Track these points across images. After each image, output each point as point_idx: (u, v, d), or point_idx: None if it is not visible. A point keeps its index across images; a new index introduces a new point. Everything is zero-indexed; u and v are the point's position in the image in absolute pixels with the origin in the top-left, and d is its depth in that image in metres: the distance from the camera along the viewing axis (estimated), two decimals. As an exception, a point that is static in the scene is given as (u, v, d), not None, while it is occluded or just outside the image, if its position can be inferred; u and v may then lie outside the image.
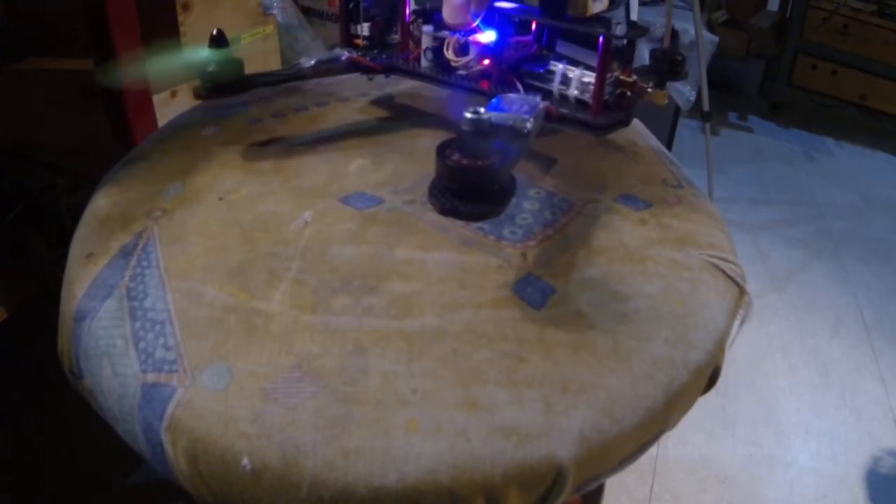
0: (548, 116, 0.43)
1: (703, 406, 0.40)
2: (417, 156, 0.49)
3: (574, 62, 0.44)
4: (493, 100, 0.41)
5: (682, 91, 1.41)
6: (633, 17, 0.41)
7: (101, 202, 0.44)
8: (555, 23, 0.43)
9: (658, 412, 0.34)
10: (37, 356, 0.57)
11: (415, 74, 0.51)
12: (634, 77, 0.43)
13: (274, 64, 1.09)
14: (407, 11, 0.50)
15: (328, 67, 0.51)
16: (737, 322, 0.41)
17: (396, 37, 0.54)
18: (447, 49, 0.48)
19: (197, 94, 0.48)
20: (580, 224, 0.43)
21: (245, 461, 0.30)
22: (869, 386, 1.19)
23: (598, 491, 0.72)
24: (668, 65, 0.42)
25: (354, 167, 0.47)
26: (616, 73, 0.43)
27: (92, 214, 0.43)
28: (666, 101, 0.43)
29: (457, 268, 0.39)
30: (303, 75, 0.50)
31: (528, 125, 0.38)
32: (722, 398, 1.13)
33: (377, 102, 0.57)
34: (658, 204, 0.46)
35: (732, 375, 1.17)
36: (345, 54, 0.51)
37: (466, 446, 0.30)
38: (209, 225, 0.41)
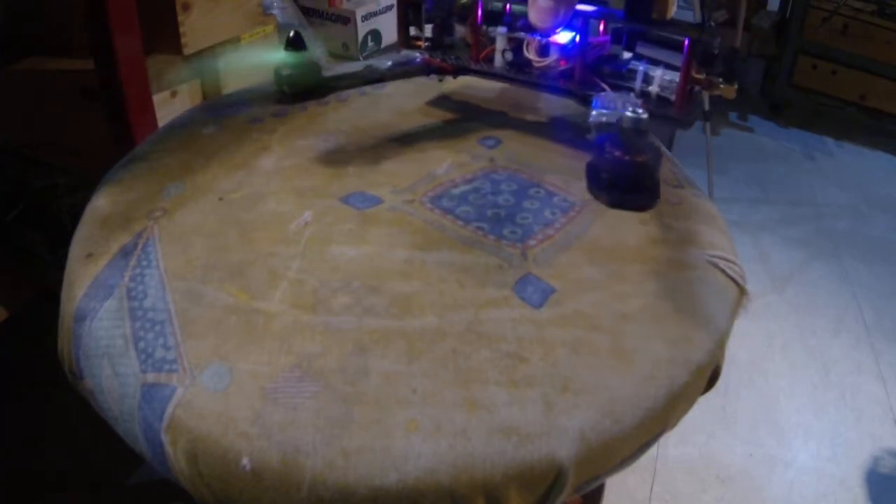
0: None
1: (703, 406, 0.40)
2: (418, 155, 0.49)
3: (653, 61, 0.47)
4: (595, 99, 0.43)
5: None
6: (697, 18, 0.42)
7: (101, 202, 0.44)
8: (642, 26, 0.45)
9: (658, 412, 0.34)
10: (37, 356, 0.57)
11: (489, 75, 0.52)
12: (704, 74, 0.45)
13: (274, 64, 1.09)
14: (479, 13, 0.51)
15: (404, 70, 0.52)
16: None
17: (451, 38, 0.54)
18: (527, 50, 0.49)
19: (276, 100, 0.47)
20: (581, 224, 0.43)
21: (245, 461, 0.30)
22: (869, 386, 1.19)
23: (598, 491, 0.72)
24: (734, 61, 0.44)
25: (354, 167, 0.47)
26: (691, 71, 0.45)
27: (92, 214, 0.43)
28: (734, 96, 0.45)
29: (457, 268, 0.39)
30: (380, 77, 0.50)
31: (644, 117, 0.40)
32: (722, 398, 1.13)
33: (377, 102, 0.57)
34: (658, 204, 0.46)
35: (732, 375, 1.17)
36: (418, 56, 0.52)
37: (466, 446, 0.30)
38: (209, 225, 0.41)
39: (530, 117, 0.55)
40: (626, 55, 0.49)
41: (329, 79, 0.48)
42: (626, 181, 0.34)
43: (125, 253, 0.39)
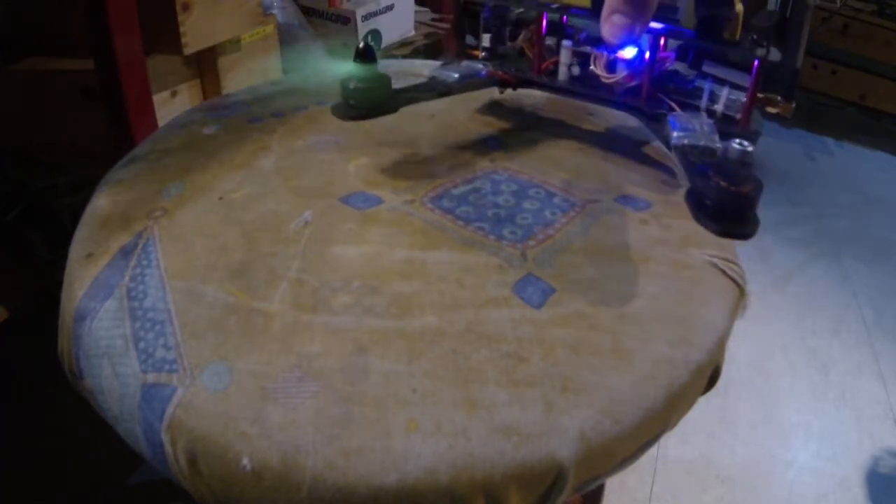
0: None
1: (703, 406, 0.40)
2: (418, 155, 0.49)
3: (717, 79, 0.47)
4: (671, 119, 0.43)
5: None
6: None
7: (101, 202, 0.44)
8: (712, 46, 0.45)
9: (658, 412, 0.34)
10: (37, 356, 0.57)
11: (554, 89, 0.51)
12: (763, 93, 0.46)
13: (274, 64, 1.09)
14: (544, 25, 0.50)
15: (470, 82, 0.51)
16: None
17: (505, 48, 0.54)
18: (595, 65, 0.48)
19: (341, 115, 0.45)
20: (581, 224, 0.43)
21: (245, 461, 0.30)
22: (869, 386, 1.19)
23: (599, 491, 0.72)
24: (794, 81, 0.45)
25: (354, 167, 0.47)
26: None
27: (92, 214, 0.43)
28: (791, 115, 0.46)
29: (457, 268, 0.39)
30: (448, 90, 0.49)
31: (719, 145, 0.40)
32: (722, 398, 1.13)
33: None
34: (659, 204, 0.46)
35: (732, 375, 1.17)
36: (482, 68, 0.51)
37: (466, 446, 0.30)
38: (209, 225, 0.41)
39: (532, 119, 0.55)
40: (689, 71, 0.49)
41: (398, 93, 0.46)
42: (733, 212, 0.35)
43: (125, 253, 0.39)
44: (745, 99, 0.44)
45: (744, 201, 0.34)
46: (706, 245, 0.43)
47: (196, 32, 0.90)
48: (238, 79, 0.98)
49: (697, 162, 0.39)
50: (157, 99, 0.86)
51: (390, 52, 1.46)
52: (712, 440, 1.06)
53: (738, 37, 0.42)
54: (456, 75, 0.49)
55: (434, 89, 0.48)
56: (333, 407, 0.31)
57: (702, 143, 0.40)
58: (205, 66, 0.97)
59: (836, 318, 1.35)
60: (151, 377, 0.33)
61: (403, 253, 0.40)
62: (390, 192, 0.45)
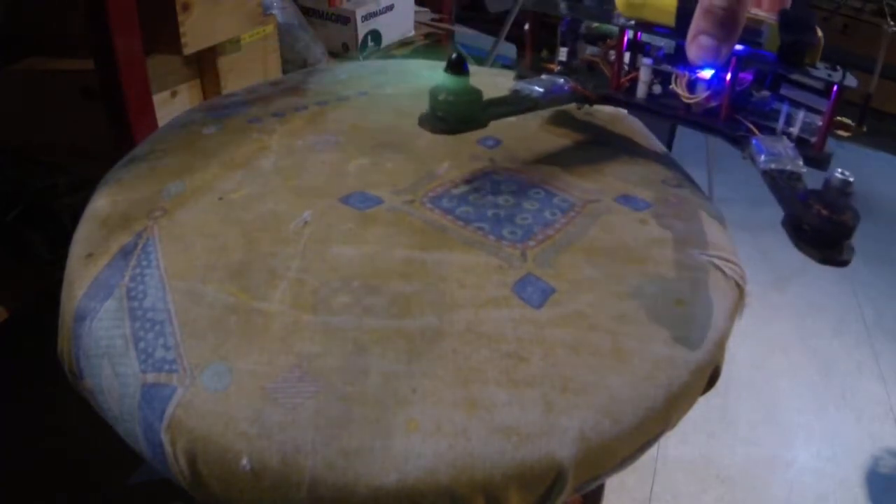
0: None
1: (703, 406, 0.40)
2: (418, 155, 0.49)
3: (793, 102, 0.47)
4: (754, 141, 0.43)
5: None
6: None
7: (101, 202, 0.44)
8: (791, 72, 0.45)
9: (658, 412, 0.34)
10: (37, 356, 0.57)
11: (635, 107, 0.51)
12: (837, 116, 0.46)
13: (274, 64, 1.09)
14: (625, 41, 0.49)
15: (555, 98, 0.50)
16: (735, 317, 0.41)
17: (576, 62, 0.53)
18: (676, 84, 0.48)
19: (429, 127, 0.43)
20: (580, 224, 0.43)
21: (245, 461, 0.30)
22: (870, 386, 1.19)
23: (599, 491, 0.72)
24: (868, 105, 0.45)
25: (354, 167, 0.47)
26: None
27: (92, 214, 0.43)
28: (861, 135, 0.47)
29: (457, 268, 0.39)
30: (534, 106, 0.48)
31: (805, 170, 0.41)
32: (722, 398, 1.13)
33: (377, 102, 0.57)
34: (658, 204, 0.46)
35: (732, 375, 1.17)
36: (564, 83, 0.50)
37: (466, 446, 0.30)
38: (209, 225, 0.41)
39: (532, 120, 0.55)
40: (764, 93, 0.49)
41: (488, 107, 0.44)
42: (833, 240, 0.34)
43: (125, 253, 0.39)
44: (819, 122, 0.45)
45: (843, 230, 0.34)
46: (706, 245, 0.43)
47: (196, 32, 0.90)
48: (238, 79, 0.98)
49: (784, 186, 0.39)
50: (157, 99, 0.86)
51: (390, 52, 1.47)
52: (712, 440, 1.06)
53: (817, 62, 0.43)
54: (541, 89, 0.48)
55: (520, 104, 0.47)
56: (333, 407, 0.31)
57: (788, 167, 0.40)
58: (205, 66, 0.97)
59: (836, 318, 1.35)
60: (151, 377, 0.33)
61: (403, 253, 0.40)
62: (390, 193, 0.45)
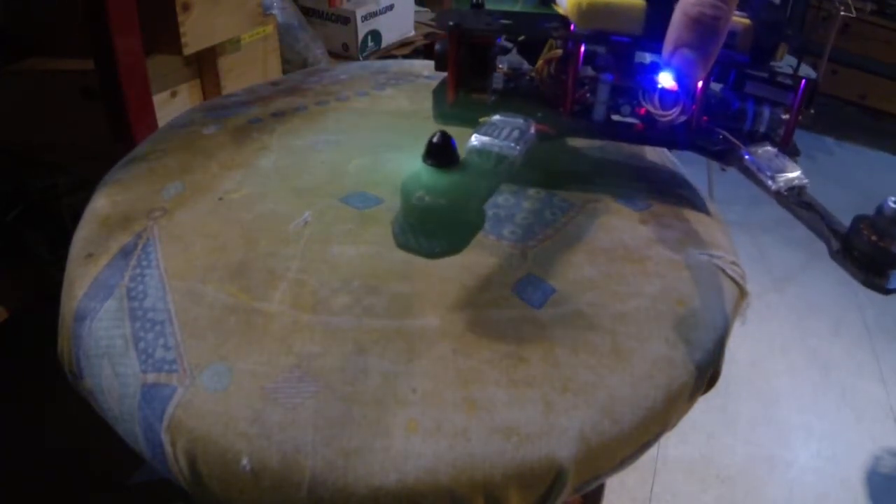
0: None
1: (703, 406, 0.40)
2: (417, 155, 0.49)
3: (760, 99, 0.45)
4: (748, 158, 0.40)
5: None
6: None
7: (101, 202, 0.44)
8: (761, 71, 0.43)
9: (658, 412, 0.34)
10: (37, 356, 0.58)
11: (600, 135, 0.45)
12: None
13: (274, 64, 1.09)
14: (580, 55, 0.42)
15: (528, 146, 0.40)
16: (737, 322, 0.41)
17: (515, 84, 0.45)
18: (646, 101, 0.43)
19: (418, 250, 0.29)
20: (580, 224, 0.43)
21: (245, 461, 0.30)
22: (869, 386, 1.19)
23: (599, 491, 0.72)
24: (815, 91, 0.43)
25: (354, 167, 0.47)
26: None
27: (92, 214, 0.43)
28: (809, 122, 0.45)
29: (457, 268, 0.39)
30: (516, 168, 0.37)
31: (802, 182, 0.39)
32: (722, 398, 1.13)
33: (377, 102, 0.57)
34: (658, 204, 0.46)
35: (732, 375, 1.17)
36: (525, 124, 0.40)
37: (466, 446, 0.30)
38: (209, 225, 0.41)
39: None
40: (717, 92, 0.46)
41: (482, 200, 0.32)
42: (879, 265, 0.34)
43: (125, 253, 0.39)
44: (783, 116, 0.43)
45: (890, 258, 0.34)
46: (706, 245, 0.43)
47: (196, 32, 0.90)
48: (238, 79, 0.98)
49: (797, 202, 0.38)
50: (157, 99, 0.86)
51: (390, 52, 1.46)
52: (712, 440, 1.06)
53: (782, 58, 0.42)
54: (517, 147, 0.36)
55: (503, 174, 0.36)
56: (333, 407, 0.31)
57: (795, 182, 0.39)
58: (205, 66, 0.97)
59: (836, 318, 1.35)
60: (151, 377, 0.33)
61: (403, 253, 0.39)
62: (390, 192, 0.45)
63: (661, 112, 0.43)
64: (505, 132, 0.38)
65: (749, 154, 0.41)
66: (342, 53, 1.41)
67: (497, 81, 0.45)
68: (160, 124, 0.71)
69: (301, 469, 0.29)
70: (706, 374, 0.37)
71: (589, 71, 0.43)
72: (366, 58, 1.41)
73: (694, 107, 0.43)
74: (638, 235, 0.42)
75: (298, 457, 0.30)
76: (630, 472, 0.96)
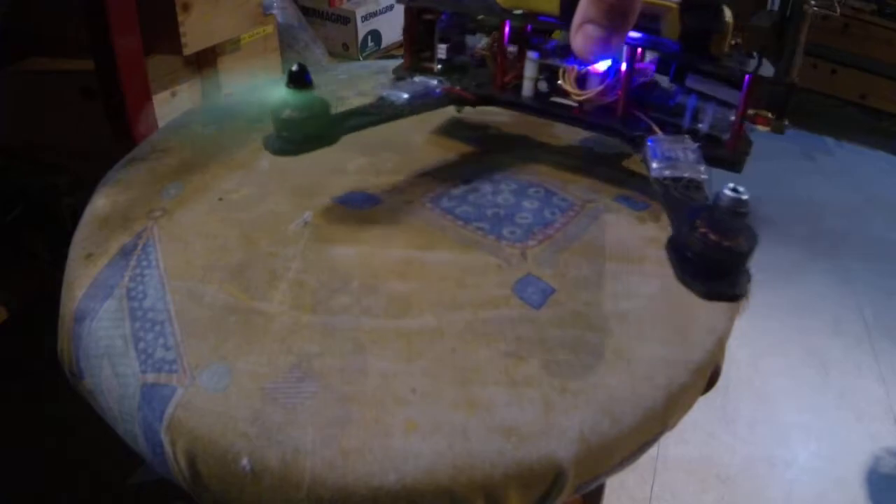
0: None
1: (703, 406, 0.40)
2: (417, 155, 0.49)
3: (705, 95, 0.42)
4: (650, 145, 0.38)
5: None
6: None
7: (101, 202, 0.44)
8: (696, 62, 0.40)
9: (658, 412, 0.34)
10: (37, 356, 0.58)
11: (519, 107, 0.45)
12: (754, 110, 0.41)
13: (274, 64, 1.09)
14: (506, 34, 0.43)
15: (424, 103, 0.45)
16: (736, 319, 0.41)
17: (463, 59, 0.48)
18: (564, 80, 0.42)
19: (274, 149, 0.38)
20: (580, 224, 0.43)
21: (245, 461, 0.30)
22: (869, 385, 1.19)
23: (599, 491, 0.72)
24: (790, 96, 0.41)
25: (354, 167, 0.47)
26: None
27: (92, 214, 0.43)
28: (784, 132, 0.41)
29: (456, 267, 0.39)
30: (399, 114, 0.43)
31: (705, 176, 0.36)
32: (722, 398, 1.13)
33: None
34: (658, 204, 0.46)
35: (732, 375, 1.17)
36: (438, 85, 0.45)
37: (466, 446, 0.30)
38: (209, 225, 0.41)
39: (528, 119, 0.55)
40: (670, 87, 0.44)
41: (339, 120, 0.40)
42: (723, 269, 0.29)
43: (125, 253, 0.39)
44: (733, 117, 0.40)
45: (735, 258, 0.29)
46: (706, 245, 0.43)
47: (196, 32, 0.90)
48: (238, 79, 0.98)
49: (679, 196, 0.34)
50: (157, 99, 0.86)
51: (390, 52, 1.46)
52: (712, 440, 1.06)
53: (726, 49, 0.38)
54: (405, 95, 0.43)
55: (381, 113, 0.42)
56: (332, 407, 0.31)
57: (686, 174, 0.35)
58: (205, 66, 0.97)
59: (835, 317, 1.35)
60: (151, 377, 0.33)
61: (402, 253, 0.40)
62: (389, 192, 0.45)
63: (576, 92, 0.42)
64: (411, 88, 0.44)
65: (653, 140, 0.39)
66: (342, 53, 1.41)
67: (441, 52, 0.47)
68: (160, 124, 0.71)
69: (301, 469, 0.29)
70: (706, 374, 0.37)
71: (532, 54, 0.44)
72: (366, 58, 1.41)
73: (619, 92, 0.41)
74: (637, 235, 0.42)
75: (298, 457, 0.30)
76: (630, 472, 0.96)
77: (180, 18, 0.88)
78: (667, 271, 0.40)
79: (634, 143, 0.41)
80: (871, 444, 1.07)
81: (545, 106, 0.45)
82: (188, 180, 0.45)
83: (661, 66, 0.44)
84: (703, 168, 0.36)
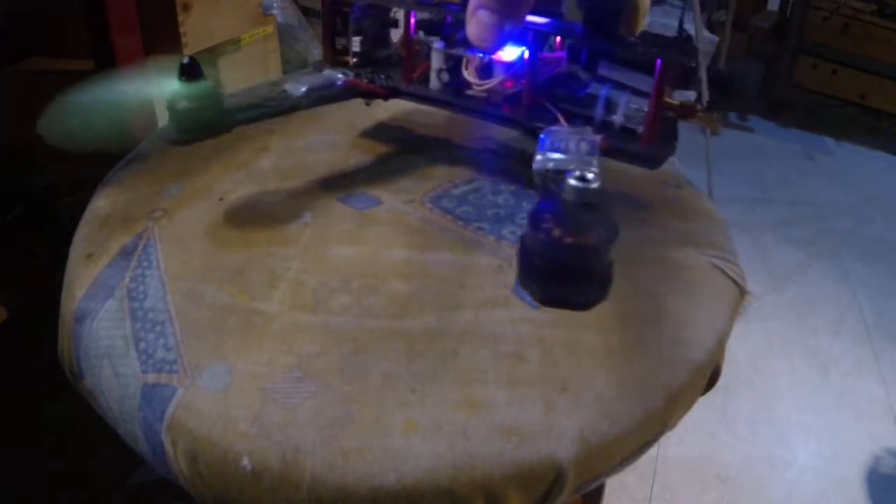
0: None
1: (703, 406, 0.40)
2: (416, 155, 0.49)
3: (619, 84, 0.39)
4: (542, 136, 0.36)
5: (682, 91, 1.41)
6: (691, 29, 0.36)
7: (102, 202, 0.44)
8: (602, 45, 0.37)
9: (658, 412, 0.34)
10: (37, 356, 0.57)
11: (425, 99, 0.44)
12: (679, 100, 0.38)
13: (274, 64, 1.09)
14: (412, 23, 0.42)
15: (322, 95, 0.44)
16: (737, 321, 0.41)
17: (386, 53, 0.47)
18: (466, 70, 0.41)
19: (172, 139, 0.41)
20: (580, 224, 0.43)
21: (245, 461, 0.30)
22: (869, 385, 1.19)
23: (599, 491, 0.72)
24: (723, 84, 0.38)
25: (354, 167, 0.47)
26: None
27: (92, 215, 0.43)
28: (718, 130, 0.38)
29: (456, 268, 0.39)
30: (294, 106, 0.43)
31: (595, 169, 0.32)
32: (722, 398, 1.13)
33: (376, 102, 0.57)
34: (658, 204, 0.46)
35: (732, 375, 1.17)
36: (341, 78, 0.45)
37: (466, 446, 0.30)
38: (209, 225, 0.41)
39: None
40: (583, 75, 0.41)
41: (233, 111, 0.41)
42: (567, 272, 0.25)
43: (125, 253, 0.39)
44: (644, 109, 0.37)
45: (583, 257, 0.25)
46: (705, 245, 0.43)
47: (196, 32, 0.90)
48: (238, 79, 0.98)
49: (557, 190, 0.30)
50: (157, 99, 0.86)
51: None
52: (712, 440, 1.06)
53: (637, 32, 0.35)
54: (304, 88, 0.43)
55: (278, 105, 0.43)
56: (333, 407, 0.31)
57: (570, 167, 0.32)
58: (205, 66, 0.97)
59: (836, 317, 1.35)
60: (152, 378, 0.33)
61: (402, 253, 0.40)
62: (389, 193, 0.45)
63: (477, 82, 0.41)
64: (312, 80, 0.44)
65: (548, 132, 0.36)
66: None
67: (355, 45, 0.46)
68: (160, 124, 0.71)
69: (301, 469, 0.29)
70: (706, 374, 0.37)
71: (437, 44, 0.43)
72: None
73: (523, 81, 0.39)
74: (637, 236, 0.42)
75: (298, 457, 0.30)
76: (630, 472, 0.96)
77: (180, 18, 0.88)
78: (667, 272, 0.40)
79: (535, 135, 0.39)
80: (871, 444, 1.08)
81: (451, 98, 0.43)
82: (188, 180, 0.45)
83: (573, 54, 0.41)
84: (595, 161, 0.33)
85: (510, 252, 0.40)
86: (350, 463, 0.29)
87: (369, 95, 0.46)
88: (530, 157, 0.36)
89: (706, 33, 1.41)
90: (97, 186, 0.46)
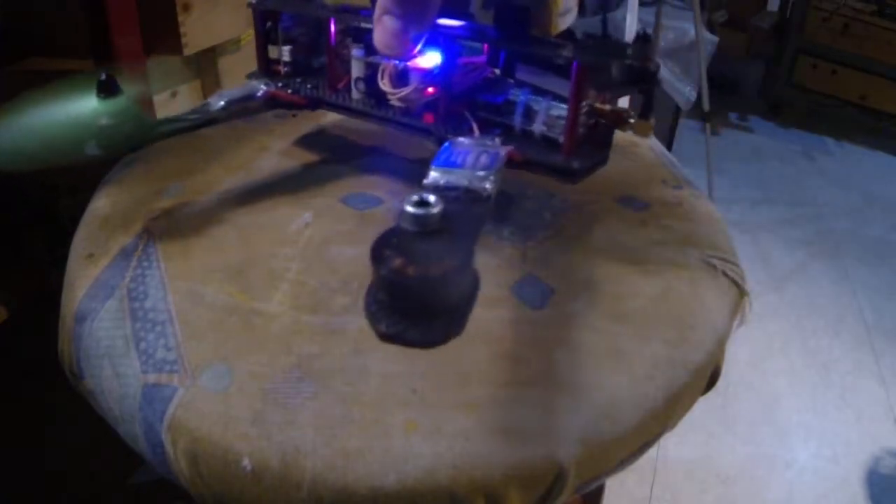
0: (508, 162, 0.34)
1: (703, 406, 0.40)
2: (416, 155, 0.49)
3: (539, 90, 0.37)
4: (442, 147, 0.33)
5: (683, 91, 1.41)
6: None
7: (102, 202, 0.44)
8: (513, 46, 0.35)
9: (658, 413, 0.34)
10: (37, 356, 0.58)
11: (345, 109, 0.43)
12: (610, 106, 0.35)
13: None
14: (332, 31, 0.41)
15: (243, 107, 0.43)
16: (735, 323, 0.41)
17: (321, 61, 0.46)
18: (382, 78, 0.39)
19: (94, 158, 0.39)
20: (580, 224, 0.43)
21: (245, 462, 0.30)
22: (869, 386, 1.19)
23: (599, 491, 0.72)
24: (641, 79, 0.35)
25: (354, 168, 0.47)
26: (590, 101, 0.35)
27: (92, 215, 0.44)
28: (651, 135, 0.35)
29: (457, 268, 0.38)
30: (212, 119, 0.42)
31: (489, 187, 0.29)
32: (722, 398, 1.13)
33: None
34: (658, 204, 0.46)
35: (732, 375, 1.17)
36: (262, 88, 0.43)
37: (466, 446, 0.30)
38: (209, 225, 0.41)
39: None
40: (505, 80, 0.40)
41: (153, 126, 0.40)
42: (403, 306, 0.23)
43: (125, 253, 0.39)
44: (562, 116, 0.35)
45: (424, 291, 0.22)
46: (705, 246, 0.43)
47: (196, 32, 0.90)
48: (238, 79, 0.98)
49: (447, 195, 0.28)
50: (157, 99, 0.86)
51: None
52: (712, 440, 1.06)
53: (554, 32, 0.33)
54: (222, 102, 0.41)
55: (196, 119, 0.42)
56: (333, 407, 0.31)
57: (464, 183, 0.29)
58: (205, 66, 0.97)
59: (836, 318, 1.35)
60: (152, 378, 0.33)
61: (403, 253, 0.39)
62: (390, 193, 0.45)
63: (391, 91, 0.39)
64: (235, 92, 0.43)
65: (450, 143, 0.34)
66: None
67: (285, 55, 0.45)
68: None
69: (301, 469, 0.29)
70: (706, 374, 0.37)
71: (356, 51, 0.41)
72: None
73: (435, 89, 0.38)
74: (637, 236, 0.43)
75: (298, 457, 0.30)
76: (630, 473, 0.96)
77: (180, 18, 0.87)
78: (667, 272, 0.40)
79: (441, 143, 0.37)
80: (871, 444, 1.08)
81: (371, 108, 0.42)
82: (188, 180, 0.45)
83: (491, 58, 0.39)
84: (491, 177, 0.30)
85: (510, 252, 0.40)
86: (350, 463, 0.29)
87: (289, 106, 0.44)
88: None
89: (706, 33, 1.41)
90: (97, 186, 0.46)
